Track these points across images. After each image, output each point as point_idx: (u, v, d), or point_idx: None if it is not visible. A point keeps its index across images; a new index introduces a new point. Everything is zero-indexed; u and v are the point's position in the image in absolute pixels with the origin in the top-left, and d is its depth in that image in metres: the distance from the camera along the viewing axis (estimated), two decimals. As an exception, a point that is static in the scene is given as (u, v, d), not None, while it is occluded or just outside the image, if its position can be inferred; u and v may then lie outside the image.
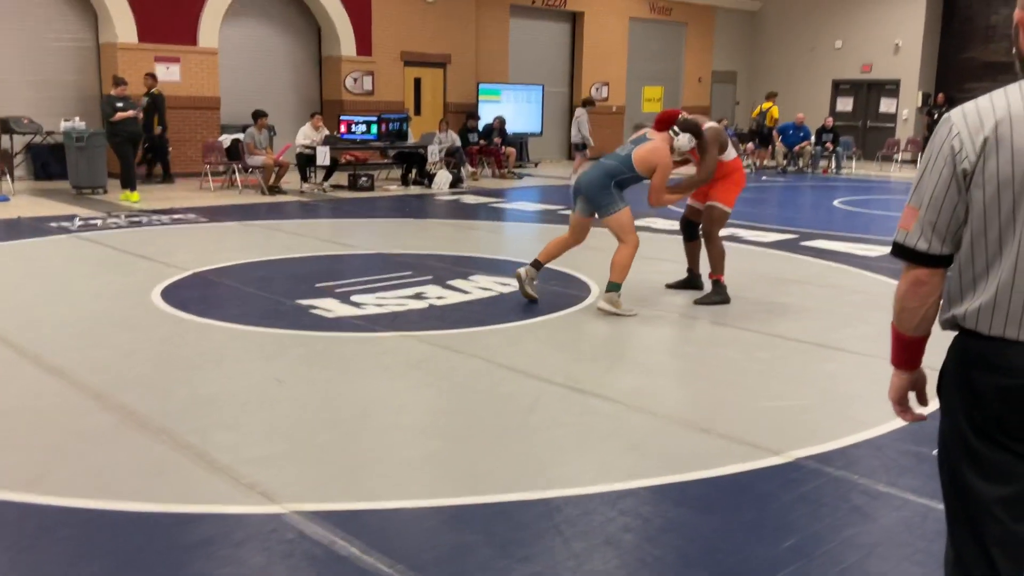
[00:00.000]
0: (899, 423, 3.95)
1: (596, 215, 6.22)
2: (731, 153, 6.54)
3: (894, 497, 3.31)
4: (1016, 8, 1.81)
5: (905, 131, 22.13)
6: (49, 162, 14.13)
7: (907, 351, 1.94)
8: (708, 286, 6.69)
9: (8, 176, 12.50)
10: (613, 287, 6.08)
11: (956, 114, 1.78)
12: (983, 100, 1.76)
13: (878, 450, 3.77)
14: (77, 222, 9.84)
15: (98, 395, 4.27)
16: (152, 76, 13.95)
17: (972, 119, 1.74)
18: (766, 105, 19.52)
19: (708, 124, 6.41)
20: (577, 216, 6.34)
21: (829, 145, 19.12)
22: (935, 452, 1.97)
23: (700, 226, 6.76)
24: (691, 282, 6.91)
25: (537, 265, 6.41)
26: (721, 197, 6.52)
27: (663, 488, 3.38)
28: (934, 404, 1.96)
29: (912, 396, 2.02)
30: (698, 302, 6.52)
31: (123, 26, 14.46)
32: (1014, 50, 1.85)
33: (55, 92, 14.44)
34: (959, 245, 1.80)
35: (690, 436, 3.94)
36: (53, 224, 9.64)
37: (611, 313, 6.02)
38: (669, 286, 6.98)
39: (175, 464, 3.51)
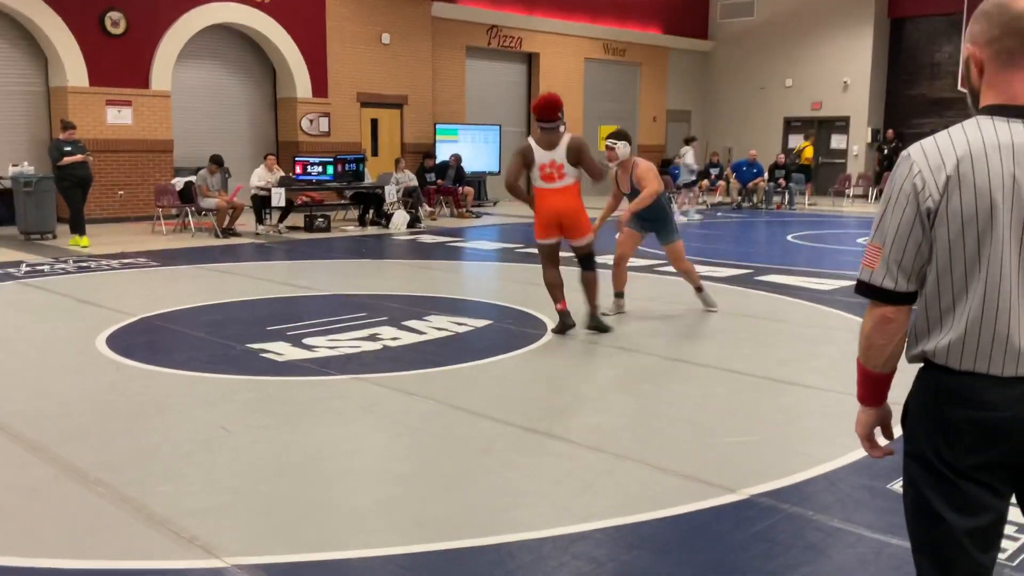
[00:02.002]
0: (853, 457, 3.94)
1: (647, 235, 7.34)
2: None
3: (848, 533, 3.28)
4: (966, 43, 1.81)
5: (856, 166, 22.58)
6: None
7: (874, 387, 1.93)
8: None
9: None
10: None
11: (916, 152, 1.76)
12: (942, 137, 1.75)
13: (832, 485, 3.75)
14: (23, 268, 9.63)
15: (35, 447, 4.12)
16: None
17: (933, 157, 1.73)
18: (803, 144, 20.17)
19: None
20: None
21: (782, 181, 19.43)
22: (897, 486, 1.94)
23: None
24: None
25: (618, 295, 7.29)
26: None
27: (617, 530, 3.32)
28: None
29: (877, 431, 2.00)
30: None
31: (74, 70, 14.31)
32: (966, 86, 1.86)
33: (3, 137, 14.21)
34: (924, 282, 1.80)
35: (645, 475, 3.89)
36: (-2, 270, 9.42)
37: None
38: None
39: (112, 518, 3.38)
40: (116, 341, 6.26)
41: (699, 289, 7.48)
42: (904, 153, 1.80)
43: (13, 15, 13.99)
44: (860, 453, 2.08)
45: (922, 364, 1.85)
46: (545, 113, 6.29)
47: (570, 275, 6.68)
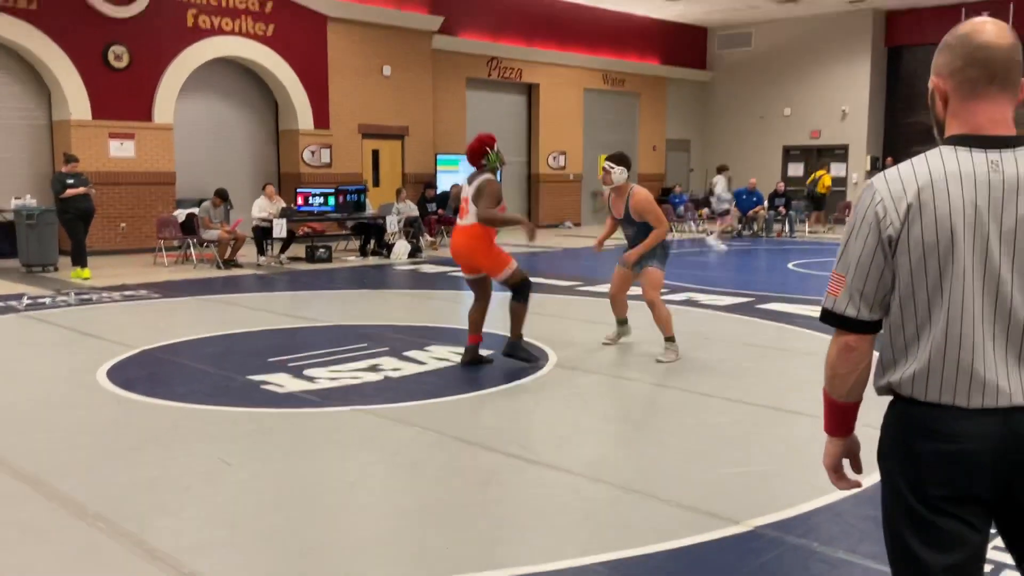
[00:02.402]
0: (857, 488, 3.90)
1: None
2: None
3: (854, 565, 3.25)
4: (931, 75, 1.83)
5: (856, 194, 22.61)
6: (-1, 240, 13.90)
7: (840, 417, 1.92)
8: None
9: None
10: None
11: (879, 180, 1.78)
12: (904, 166, 1.77)
13: (837, 516, 3.72)
14: (25, 301, 9.63)
15: (34, 482, 4.10)
16: None
17: (895, 186, 1.75)
18: (819, 173, 20.76)
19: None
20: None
21: (782, 209, 19.48)
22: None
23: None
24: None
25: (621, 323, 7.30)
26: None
27: (620, 563, 3.28)
28: (872, 471, 1.92)
29: (846, 463, 1.98)
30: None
31: (77, 104, 14.41)
32: (932, 116, 1.87)
33: (6, 170, 14.29)
34: (888, 310, 1.80)
35: (648, 506, 3.86)
36: (0, 303, 9.42)
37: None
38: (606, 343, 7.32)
39: (110, 553, 3.35)
40: (117, 374, 6.24)
41: (670, 339, 6.75)
42: (868, 182, 1.82)
43: (16, 49, 14.11)
44: (865, 483, 2.06)
45: (891, 396, 1.83)
46: (469, 160, 6.47)
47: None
